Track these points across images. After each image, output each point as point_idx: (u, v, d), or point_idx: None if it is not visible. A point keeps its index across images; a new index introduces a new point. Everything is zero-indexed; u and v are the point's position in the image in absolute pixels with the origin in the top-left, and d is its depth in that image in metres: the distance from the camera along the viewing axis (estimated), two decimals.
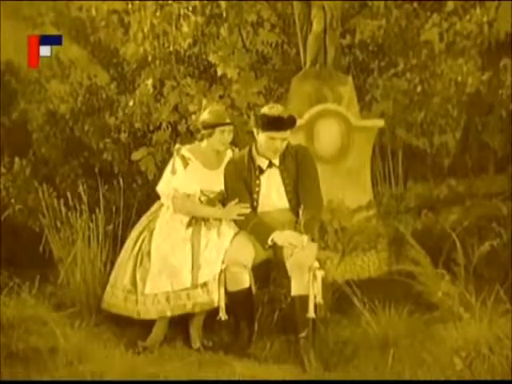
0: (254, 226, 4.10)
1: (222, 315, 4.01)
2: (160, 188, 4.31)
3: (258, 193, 4.18)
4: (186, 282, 4.03)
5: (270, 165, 4.17)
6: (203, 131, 4.25)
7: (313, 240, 4.08)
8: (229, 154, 4.33)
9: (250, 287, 4.07)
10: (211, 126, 4.19)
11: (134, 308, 4.07)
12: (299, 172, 4.17)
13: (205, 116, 4.27)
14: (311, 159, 4.25)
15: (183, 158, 4.24)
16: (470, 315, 3.65)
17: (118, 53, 6.67)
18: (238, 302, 4.04)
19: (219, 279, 4.01)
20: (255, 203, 4.19)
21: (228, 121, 4.24)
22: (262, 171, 4.18)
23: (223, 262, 4.03)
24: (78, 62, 6.69)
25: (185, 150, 4.27)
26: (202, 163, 4.24)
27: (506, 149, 6.68)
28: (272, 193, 4.19)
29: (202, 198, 4.23)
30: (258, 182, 4.18)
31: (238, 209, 4.13)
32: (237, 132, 5.14)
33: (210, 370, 3.70)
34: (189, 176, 4.21)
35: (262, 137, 4.12)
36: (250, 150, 4.21)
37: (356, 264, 5.04)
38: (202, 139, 4.29)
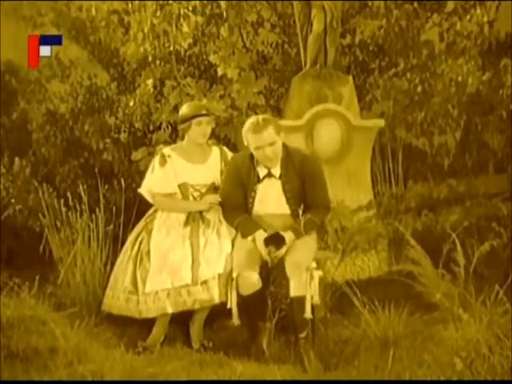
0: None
1: (235, 321, 3.97)
2: (141, 189, 4.31)
3: (253, 199, 4.13)
4: (186, 278, 4.02)
5: (269, 175, 4.09)
6: (181, 126, 4.28)
7: None
8: (215, 150, 4.34)
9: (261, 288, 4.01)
10: (188, 119, 4.22)
11: (135, 308, 4.06)
12: (306, 183, 4.08)
13: (183, 110, 4.32)
14: (319, 169, 4.16)
15: (162, 156, 4.25)
16: (469, 315, 3.65)
17: (118, 53, 6.66)
18: (252, 304, 4.00)
19: (231, 285, 3.94)
20: (250, 205, 4.15)
21: (204, 112, 4.26)
22: (259, 180, 4.11)
23: (233, 270, 3.95)
24: (78, 62, 6.67)
25: (165, 149, 4.30)
26: (185, 159, 4.25)
27: (505, 149, 6.66)
28: (269, 201, 4.12)
29: (195, 194, 4.24)
30: (254, 187, 4.11)
31: (211, 199, 4.18)
32: (236, 132, 5.16)
33: (210, 370, 3.69)
34: (167, 173, 4.22)
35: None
36: (252, 155, 4.10)
37: (356, 264, 5.05)
38: (183, 137, 4.32)
